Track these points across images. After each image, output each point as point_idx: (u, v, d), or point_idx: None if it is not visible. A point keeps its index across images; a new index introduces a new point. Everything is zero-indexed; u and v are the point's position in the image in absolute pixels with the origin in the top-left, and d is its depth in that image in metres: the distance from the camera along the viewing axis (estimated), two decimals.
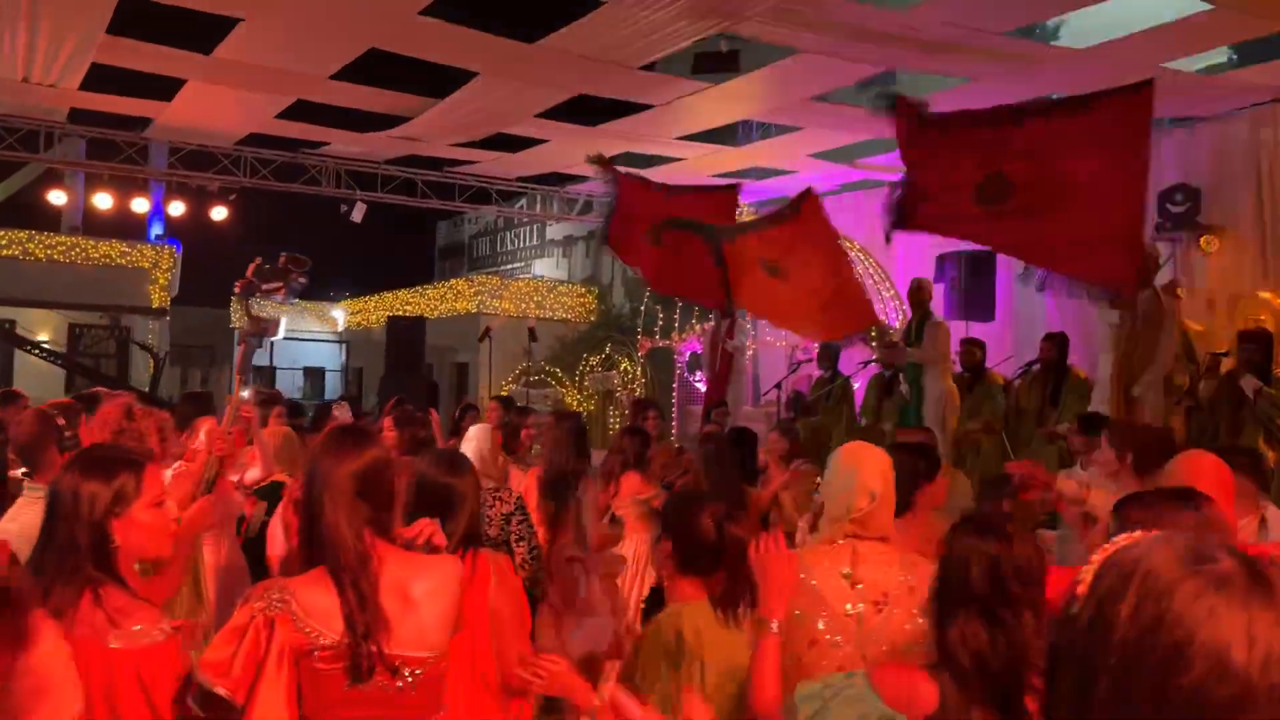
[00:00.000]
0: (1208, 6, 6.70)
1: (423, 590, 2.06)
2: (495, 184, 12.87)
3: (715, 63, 7.13)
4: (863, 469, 2.48)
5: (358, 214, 11.55)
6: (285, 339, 20.81)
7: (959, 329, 10.92)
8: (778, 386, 9.26)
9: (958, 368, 8.09)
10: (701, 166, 11.16)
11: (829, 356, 9.28)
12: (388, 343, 12.43)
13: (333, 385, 21.53)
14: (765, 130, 10.91)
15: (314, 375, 21.74)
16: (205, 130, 10.53)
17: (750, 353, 13.35)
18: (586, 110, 9.17)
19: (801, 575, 2.28)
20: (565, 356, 16.82)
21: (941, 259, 10.43)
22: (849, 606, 2.34)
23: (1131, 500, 2.12)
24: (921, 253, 10.52)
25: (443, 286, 19.01)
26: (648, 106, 9.02)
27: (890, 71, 8.19)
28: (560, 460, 4.84)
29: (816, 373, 9.57)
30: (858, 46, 7.14)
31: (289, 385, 21.06)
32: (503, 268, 21.28)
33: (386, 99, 9.01)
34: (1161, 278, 9.30)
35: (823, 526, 2.69)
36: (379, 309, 20.09)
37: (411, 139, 10.35)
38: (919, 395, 7.52)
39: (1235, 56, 10.19)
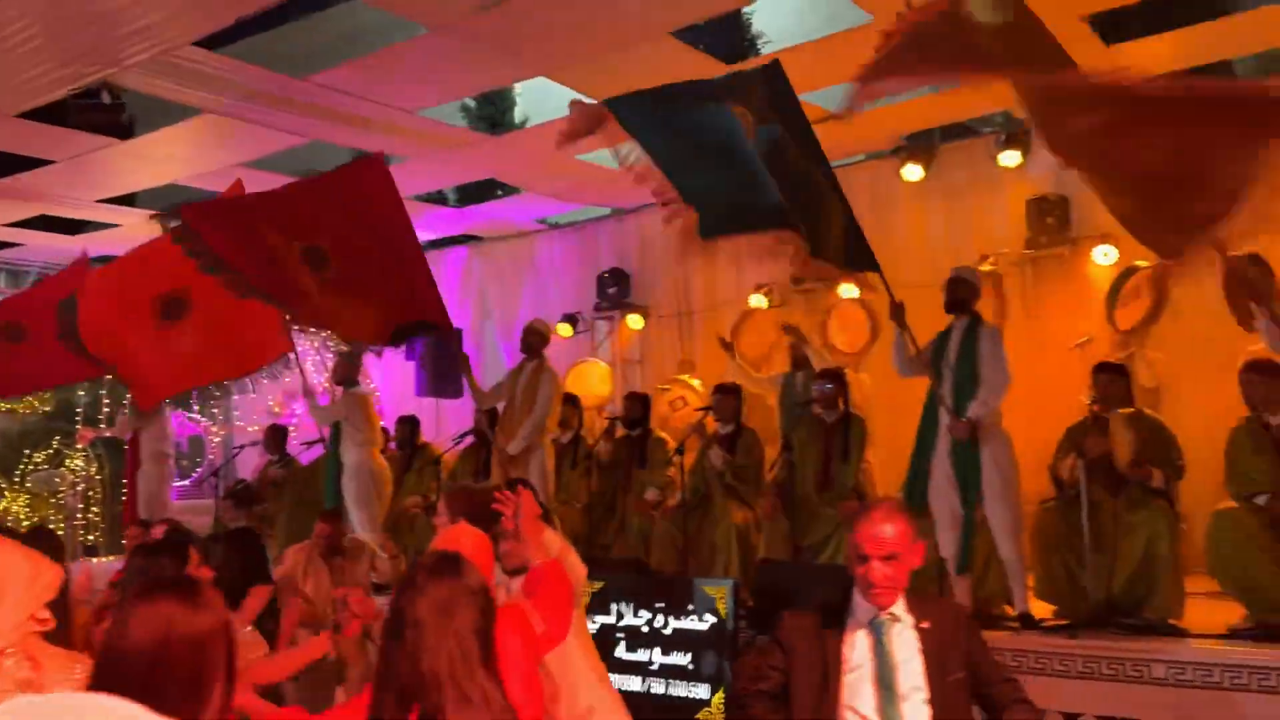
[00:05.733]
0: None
1: None
2: None
3: (97, 116, 6.40)
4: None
5: None
6: None
7: (429, 406, 10.96)
8: (215, 474, 8.48)
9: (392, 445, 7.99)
10: (142, 232, 10.13)
11: (276, 440, 8.69)
12: None
13: None
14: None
15: None
16: None
17: (219, 438, 12.32)
18: None
19: None
20: (7, 454, 14.33)
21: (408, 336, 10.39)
22: None
23: None
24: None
25: None
26: (48, 161, 7.94)
27: (320, 142, 7.98)
28: None
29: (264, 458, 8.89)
30: (264, 112, 6.84)
31: None
32: None
33: None
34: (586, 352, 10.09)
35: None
36: None
37: None
38: (340, 471, 7.24)
39: None
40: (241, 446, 9.15)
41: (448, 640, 1.86)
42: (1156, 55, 6.74)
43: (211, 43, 6.20)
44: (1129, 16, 6.41)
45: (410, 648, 1.85)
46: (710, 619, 5.09)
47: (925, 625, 2.31)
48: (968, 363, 5.08)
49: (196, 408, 12.03)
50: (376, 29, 6.90)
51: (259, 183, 8.59)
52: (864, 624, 2.42)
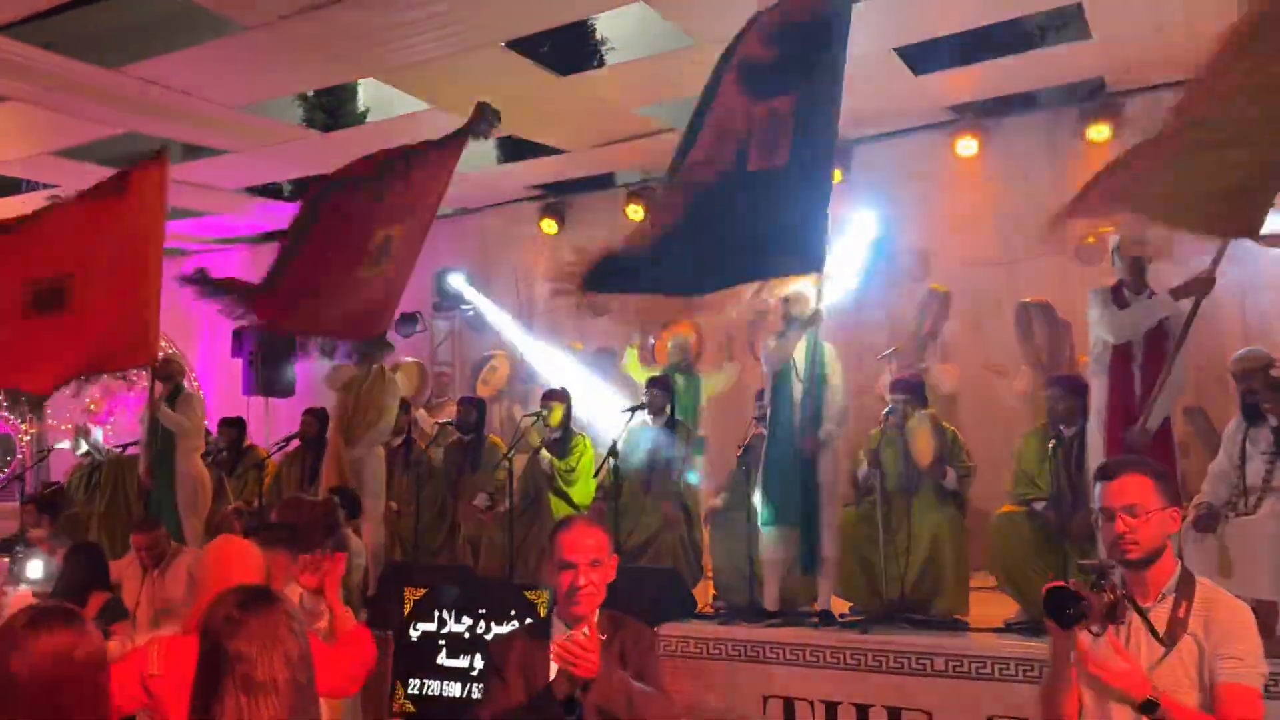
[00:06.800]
0: (425, 106, 7.35)
1: None
2: None
3: None
4: None
5: None
6: None
7: (258, 405, 10.61)
8: (19, 478, 8.02)
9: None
10: None
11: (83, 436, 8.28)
12: None
13: None
14: (24, 185, 9.62)
15: None
16: None
17: (29, 437, 11.59)
18: None
19: None
20: None
21: (238, 333, 10.06)
22: None
23: None
24: (226, 328, 10.06)
25: None
26: None
27: (138, 133, 7.63)
28: None
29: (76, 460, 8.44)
30: (75, 101, 6.51)
31: None
32: None
33: None
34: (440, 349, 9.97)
35: None
36: None
37: None
38: (171, 478, 6.98)
39: (501, 156, 11.51)
40: (51, 448, 8.66)
41: (281, 668, 1.90)
42: (963, 86, 7.21)
43: (12, 28, 5.86)
44: (938, 48, 6.80)
45: (239, 680, 1.86)
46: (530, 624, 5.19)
47: (602, 638, 2.40)
48: (818, 379, 5.26)
49: (6, 405, 11.29)
50: (193, 23, 6.64)
51: (71, 171, 8.23)
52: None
